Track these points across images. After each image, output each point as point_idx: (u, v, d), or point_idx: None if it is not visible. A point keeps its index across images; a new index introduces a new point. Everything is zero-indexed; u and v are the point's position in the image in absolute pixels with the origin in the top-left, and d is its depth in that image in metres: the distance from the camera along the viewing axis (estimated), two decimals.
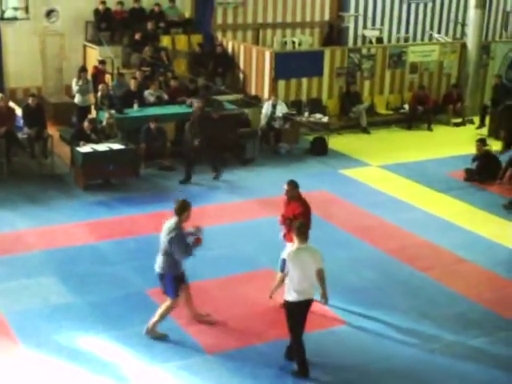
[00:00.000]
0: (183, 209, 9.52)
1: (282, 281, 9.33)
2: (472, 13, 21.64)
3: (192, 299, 9.95)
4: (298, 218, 9.64)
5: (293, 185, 10.36)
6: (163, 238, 9.49)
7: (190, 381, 8.79)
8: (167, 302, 9.59)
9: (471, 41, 21.68)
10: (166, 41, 20.81)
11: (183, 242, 9.39)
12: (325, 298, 8.94)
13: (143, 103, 17.57)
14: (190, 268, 11.45)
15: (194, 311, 10.04)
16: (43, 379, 8.75)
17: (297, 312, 8.74)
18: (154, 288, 10.77)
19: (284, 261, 8.86)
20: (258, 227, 13.35)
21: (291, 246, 9.08)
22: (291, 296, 8.68)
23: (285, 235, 10.30)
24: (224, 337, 9.75)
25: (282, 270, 9.09)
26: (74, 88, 17.95)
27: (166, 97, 18.09)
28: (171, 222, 9.54)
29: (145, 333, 9.58)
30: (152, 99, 17.87)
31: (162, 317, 9.61)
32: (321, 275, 8.76)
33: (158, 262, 9.59)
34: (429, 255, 12.57)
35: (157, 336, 9.58)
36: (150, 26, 20.32)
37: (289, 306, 8.78)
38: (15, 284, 10.98)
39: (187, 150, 15.84)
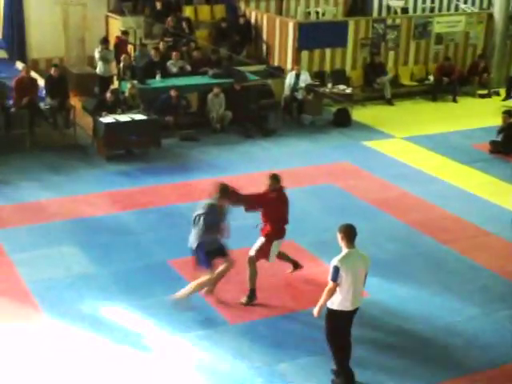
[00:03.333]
0: (222, 193, 9.51)
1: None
2: None
3: (221, 277, 9.81)
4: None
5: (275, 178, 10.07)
6: (195, 213, 9.50)
7: (211, 350, 8.80)
8: (204, 275, 9.56)
9: (498, 11, 21.37)
10: (188, 11, 20.67)
11: (206, 223, 9.37)
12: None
13: (166, 74, 17.50)
14: None
15: (212, 287, 9.93)
16: (66, 348, 8.79)
17: (343, 321, 8.14)
18: (175, 258, 10.83)
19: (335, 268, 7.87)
20: None
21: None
22: (342, 305, 8.01)
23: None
24: (246, 308, 9.73)
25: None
26: (97, 56, 17.91)
27: (188, 67, 18.02)
28: (207, 201, 9.57)
29: (172, 301, 9.55)
30: (174, 70, 17.81)
31: (195, 289, 9.58)
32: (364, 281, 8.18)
33: (190, 236, 9.58)
34: (452, 228, 12.47)
35: (183, 306, 9.55)
36: None
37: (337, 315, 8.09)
38: (38, 253, 11.03)
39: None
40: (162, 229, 12.01)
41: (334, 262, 7.87)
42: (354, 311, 8.14)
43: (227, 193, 9.60)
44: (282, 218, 9.99)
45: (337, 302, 7.98)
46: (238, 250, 11.19)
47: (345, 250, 7.94)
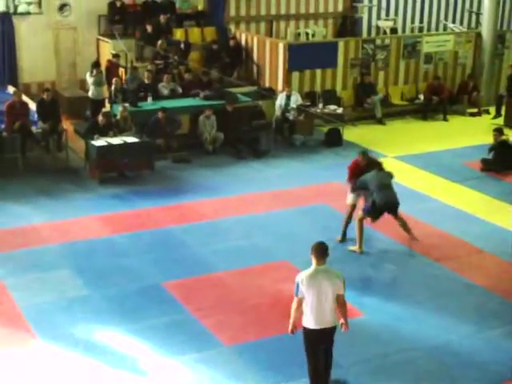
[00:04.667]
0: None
1: None
2: (486, 2, 21.46)
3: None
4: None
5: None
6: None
7: (206, 373, 8.77)
8: None
9: (486, 30, 21.54)
10: (179, 34, 20.77)
11: None
12: (345, 326, 8.20)
13: (157, 96, 17.56)
14: (206, 260, 11.57)
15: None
16: (60, 372, 8.75)
17: (310, 340, 8.10)
18: (169, 280, 10.83)
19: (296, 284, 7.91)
20: (274, 219, 13.35)
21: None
22: (308, 322, 8.01)
23: None
24: (241, 329, 9.72)
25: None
26: (89, 80, 17.97)
27: (179, 90, 18.10)
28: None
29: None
30: (166, 92, 17.89)
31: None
32: (342, 302, 8.01)
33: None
34: (445, 246, 12.49)
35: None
36: (162, 19, 20.28)
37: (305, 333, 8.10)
38: (31, 277, 11.00)
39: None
40: (156, 251, 12.00)
41: (297, 277, 7.89)
42: (322, 331, 7.96)
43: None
44: None
45: (303, 319, 7.98)
46: (228, 272, 11.27)
47: (311, 267, 7.90)
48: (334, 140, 17.78)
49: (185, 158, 16.37)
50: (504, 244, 12.50)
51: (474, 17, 26.97)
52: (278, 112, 18.05)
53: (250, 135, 17.25)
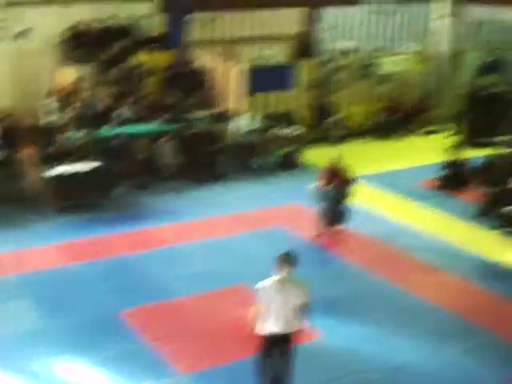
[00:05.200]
0: None
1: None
2: (440, 22, 21.87)
3: None
4: None
5: None
6: None
7: None
8: None
9: (440, 50, 22.00)
10: (140, 58, 20.79)
11: None
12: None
13: (117, 121, 17.57)
14: (165, 286, 11.58)
15: None
16: None
17: (269, 345, 8.35)
18: (126, 308, 10.83)
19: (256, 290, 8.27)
20: (233, 243, 13.44)
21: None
22: (271, 327, 8.26)
23: None
24: (198, 355, 9.75)
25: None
26: (47, 106, 17.93)
27: (139, 114, 18.11)
28: None
29: None
30: (126, 117, 17.89)
31: None
32: (305, 310, 8.28)
33: None
34: (403, 265, 12.67)
35: None
36: (123, 43, 20.31)
37: (261, 339, 8.38)
38: None
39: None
40: (115, 279, 11.99)
41: (262, 283, 8.17)
42: (283, 336, 8.21)
43: None
44: None
45: (265, 325, 8.21)
46: (188, 297, 11.30)
47: (278, 275, 8.12)
48: (291, 162, 17.98)
49: (144, 183, 16.41)
50: (460, 261, 12.75)
51: (428, 37, 27.40)
52: (236, 135, 18.17)
53: (209, 158, 17.34)
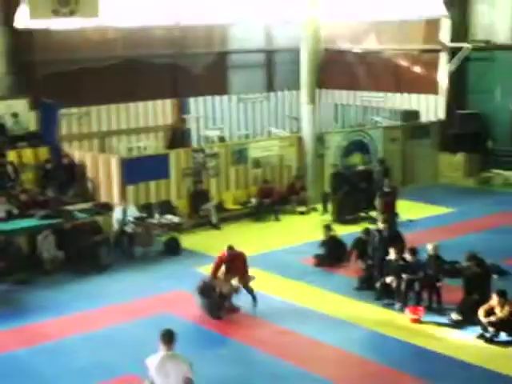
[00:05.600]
0: None
1: None
2: (304, 108, 22.94)
3: None
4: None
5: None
6: None
7: None
8: None
9: (306, 133, 22.90)
10: (12, 155, 20.76)
11: None
12: None
13: None
14: (53, 381, 11.46)
15: None
16: None
17: None
18: None
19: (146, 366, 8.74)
20: (120, 333, 13.45)
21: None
22: None
23: None
24: None
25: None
26: None
27: (15, 211, 17.99)
28: None
29: None
30: (1, 214, 17.73)
31: None
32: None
33: None
34: (288, 342, 12.99)
35: None
36: None
37: None
38: None
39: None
40: None
41: (147, 361, 8.68)
42: None
43: None
44: None
45: None
46: None
47: (160, 353, 8.62)
48: (173, 249, 18.21)
49: (24, 279, 16.21)
50: (343, 335, 13.21)
51: (294, 122, 28.70)
52: (116, 226, 18.30)
53: (90, 251, 17.33)
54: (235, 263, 14.64)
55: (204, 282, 14.37)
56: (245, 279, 14.62)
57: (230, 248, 14.77)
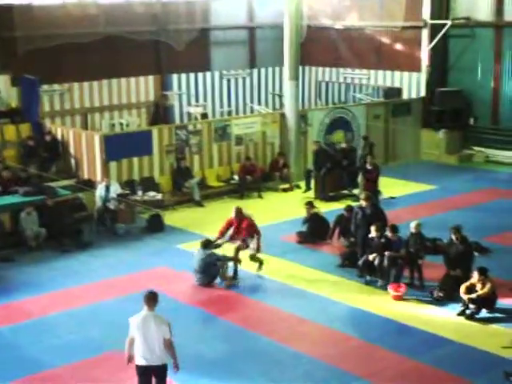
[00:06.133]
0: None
1: None
2: (287, 84, 22.91)
3: None
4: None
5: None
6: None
7: None
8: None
9: (289, 110, 22.88)
10: None
11: None
12: (176, 368, 9.46)
13: None
14: (38, 358, 11.51)
15: None
16: None
17: (139, 375, 9.40)
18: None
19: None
20: (105, 309, 13.53)
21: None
22: (137, 359, 9.33)
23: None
24: None
25: None
26: None
27: None
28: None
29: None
30: None
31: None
32: (169, 345, 9.28)
33: None
34: (271, 319, 13.13)
35: None
36: None
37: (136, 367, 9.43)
38: None
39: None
40: None
41: (130, 319, 9.36)
42: (150, 367, 9.24)
43: None
44: None
45: (135, 357, 9.34)
46: (63, 367, 11.24)
47: (142, 311, 9.30)
48: (155, 226, 18.22)
49: (8, 256, 16.21)
50: (325, 311, 13.36)
51: (277, 99, 28.69)
52: (98, 203, 18.27)
53: (73, 228, 17.36)
54: (240, 227, 15.11)
55: (207, 239, 14.87)
56: (244, 243, 15.04)
57: (238, 211, 15.31)
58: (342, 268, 15.42)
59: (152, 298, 9.37)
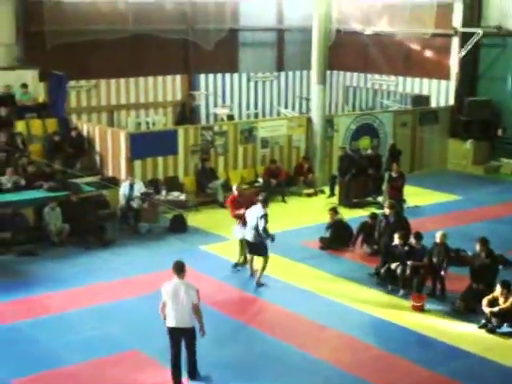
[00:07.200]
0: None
1: None
2: (314, 88, 22.82)
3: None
4: None
5: None
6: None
7: None
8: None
9: (315, 115, 22.76)
10: (20, 126, 20.76)
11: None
12: (202, 331, 10.37)
13: (0, 190, 17.41)
14: (57, 353, 11.52)
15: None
16: None
17: (170, 336, 10.34)
18: (19, 377, 10.71)
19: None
20: (124, 308, 13.53)
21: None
22: (169, 322, 10.31)
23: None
24: None
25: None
26: None
27: (23, 182, 18.02)
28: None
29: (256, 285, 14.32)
30: (9, 185, 17.76)
31: (264, 270, 14.43)
32: (196, 310, 10.23)
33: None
34: (290, 324, 13.02)
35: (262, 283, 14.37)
36: (3, 111, 20.28)
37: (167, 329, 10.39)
38: None
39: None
40: (1, 348, 11.80)
41: (162, 286, 10.37)
42: (180, 329, 10.24)
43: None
44: None
45: (167, 319, 10.32)
46: (81, 364, 11.25)
47: (173, 279, 10.25)
48: (178, 226, 18.18)
49: (31, 250, 16.27)
50: (345, 319, 13.25)
51: (304, 103, 28.61)
52: (122, 201, 18.28)
53: (96, 225, 17.36)
54: (242, 202, 15.67)
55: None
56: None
57: (239, 187, 16.35)
58: (376, 279, 15.01)
59: (180, 268, 10.29)
